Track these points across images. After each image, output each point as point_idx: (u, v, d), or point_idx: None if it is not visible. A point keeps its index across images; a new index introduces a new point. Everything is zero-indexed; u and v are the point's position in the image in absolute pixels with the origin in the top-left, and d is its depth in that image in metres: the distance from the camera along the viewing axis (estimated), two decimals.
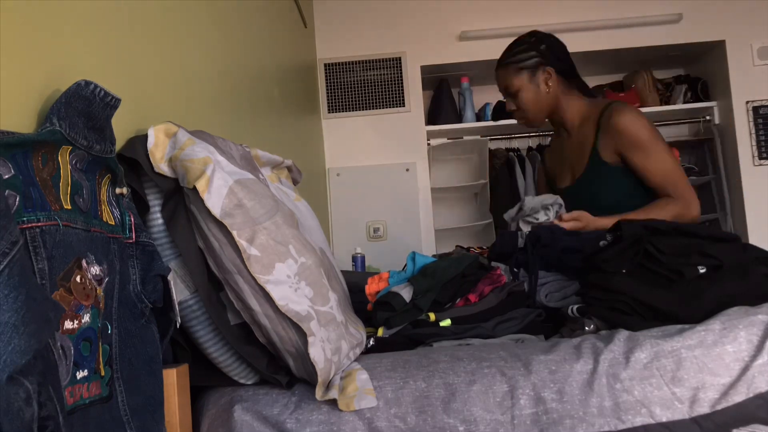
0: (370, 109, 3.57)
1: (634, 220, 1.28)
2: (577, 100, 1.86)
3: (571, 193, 1.85)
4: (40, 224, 0.65)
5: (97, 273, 0.75)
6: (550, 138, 3.83)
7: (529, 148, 3.71)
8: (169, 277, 0.89)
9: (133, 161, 0.92)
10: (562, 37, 3.44)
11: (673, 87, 3.77)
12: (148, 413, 0.81)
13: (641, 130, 1.68)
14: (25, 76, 0.73)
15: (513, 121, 3.61)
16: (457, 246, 2.89)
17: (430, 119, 3.70)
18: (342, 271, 1.39)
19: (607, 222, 1.52)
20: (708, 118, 3.67)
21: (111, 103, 0.79)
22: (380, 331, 1.27)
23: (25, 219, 0.64)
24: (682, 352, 0.98)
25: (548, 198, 1.72)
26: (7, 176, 0.63)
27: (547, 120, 1.92)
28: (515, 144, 3.81)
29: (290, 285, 0.94)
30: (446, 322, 1.27)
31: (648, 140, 1.68)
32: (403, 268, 1.47)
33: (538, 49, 1.83)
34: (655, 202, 1.70)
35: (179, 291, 0.93)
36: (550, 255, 1.43)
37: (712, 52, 3.59)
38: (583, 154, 1.81)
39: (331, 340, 0.98)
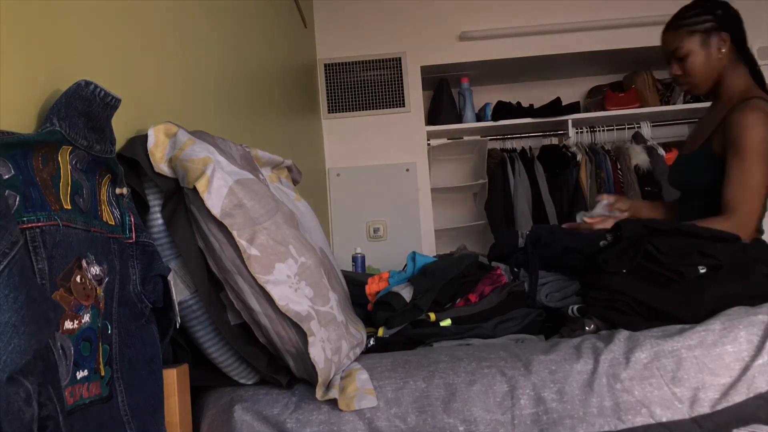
0: (370, 109, 3.56)
1: (639, 220, 1.28)
2: (741, 76, 1.74)
3: (678, 163, 1.84)
4: (40, 224, 0.65)
5: (97, 273, 0.74)
6: (550, 138, 3.84)
7: (522, 149, 3.71)
8: (169, 277, 0.89)
9: (133, 161, 0.92)
10: (562, 37, 3.47)
11: (673, 87, 3.77)
12: (148, 413, 0.81)
13: (755, 134, 1.56)
14: (25, 76, 0.73)
15: (513, 121, 3.65)
16: (462, 244, 2.89)
17: (430, 119, 3.70)
18: (342, 271, 1.39)
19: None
20: None
21: (111, 103, 0.79)
22: (380, 331, 1.27)
23: (25, 219, 0.64)
24: (683, 352, 0.98)
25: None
26: (7, 176, 0.63)
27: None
28: (513, 144, 3.81)
29: (290, 285, 0.94)
30: (446, 322, 1.27)
31: (752, 148, 1.55)
32: (403, 268, 1.47)
33: (714, 13, 1.73)
34: (710, 218, 1.57)
35: (179, 291, 0.93)
36: (550, 255, 1.43)
37: None
38: (706, 132, 1.74)
39: (331, 340, 0.98)
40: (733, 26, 1.75)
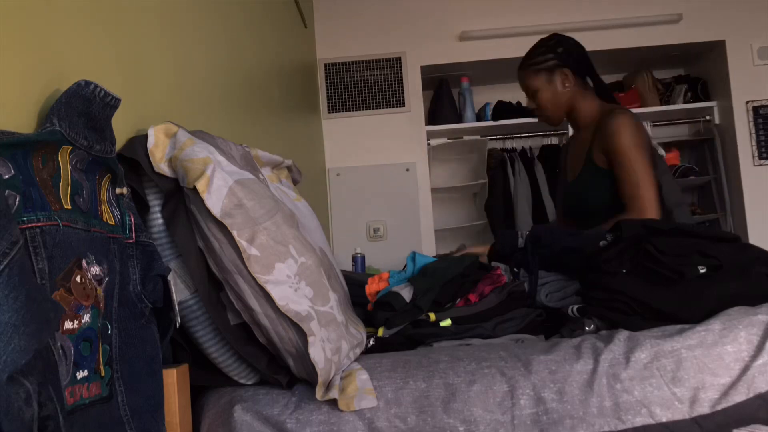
0: (370, 109, 3.57)
1: (629, 221, 1.28)
2: (591, 101, 1.91)
3: (567, 192, 1.95)
4: (40, 224, 0.65)
5: (97, 273, 0.74)
6: (550, 138, 3.84)
7: (522, 149, 3.71)
8: (169, 277, 0.89)
9: (133, 161, 0.92)
10: None
11: (673, 87, 3.77)
12: (148, 413, 0.81)
13: (624, 137, 1.70)
14: (25, 76, 0.73)
15: (512, 121, 3.65)
16: (462, 244, 2.90)
17: (430, 119, 3.70)
18: (342, 271, 1.39)
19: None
20: (708, 118, 3.67)
21: (111, 103, 0.79)
22: (380, 331, 1.27)
23: (25, 219, 0.64)
24: (682, 352, 0.98)
25: None
26: (7, 176, 0.63)
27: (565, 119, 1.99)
28: (513, 144, 3.81)
29: (290, 285, 0.94)
30: (446, 322, 1.27)
31: (627, 147, 1.70)
32: (403, 268, 1.47)
33: (555, 51, 1.90)
34: (615, 218, 1.62)
35: (179, 291, 0.93)
36: (550, 255, 1.43)
37: (712, 52, 3.59)
38: (581, 155, 1.88)
39: (331, 340, 0.98)
40: (573, 61, 1.91)
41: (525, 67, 1.96)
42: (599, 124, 1.80)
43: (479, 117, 3.73)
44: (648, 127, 3.64)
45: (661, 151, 3.42)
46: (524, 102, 3.78)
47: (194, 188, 0.89)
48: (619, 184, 1.72)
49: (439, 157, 3.82)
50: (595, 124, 1.84)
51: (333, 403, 0.95)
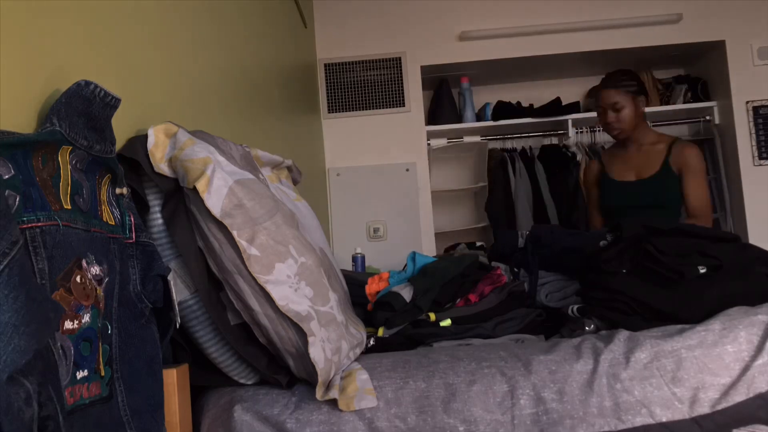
0: (370, 109, 3.56)
1: (639, 220, 1.29)
2: (649, 127, 2.45)
3: (637, 185, 2.38)
4: (40, 224, 0.65)
5: (97, 273, 0.74)
6: (550, 138, 3.84)
7: (522, 149, 3.71)
8: (169, 277, 0.89)
9: (133, 161, 0.92)
10: (563, 37, 3.48)
11: (673, 87, 3.77)
12: (148, 413, 0.81)
13: (699, 162, 2.30)
14: (25, 76, 0.73)
15: (512, 121, 3.65)
16: (463, 244, 2.88)
17: (430, 119, 3.70)
18: (342, 271, 1.39)
19: None
20: (708, 118, 3.67)
21: (111, 103, 0.79)
22: (380, 331, 1.27)
23: (25, 219, 0.64)
24: (682, 352, 0.98)
25: None
26: (7, 176, 0.63)
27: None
28: (513, 144, 3.80)
29: (290, 285, 0.94)
30: (446, 322, 1.27)
31: (699, 171, 2.29)
32: (403, 268, 1.47)
33: (639, 80, 2.37)
34: (688, 219, 2.28)
35: (179, 291, 0.93)
36: (550, 255, 1.43)
37: (712, 52, 3.59)
38: (654, 163, 2.35)
39: (331, 340, 0.98)
40: (647, 92, 2.41)
41: (616, 86, 2.33)
42: (672, 144, 2.34)
43: (479, 117, 3.72)
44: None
45: None
46: (524, 102, 3.78)
47: (194, 188, 0.89)
48: (693, 193, 2.28)
49: (439, 157, 3.82)
50: (665, 144, 2.36)
51: (333, 403, 0.95)
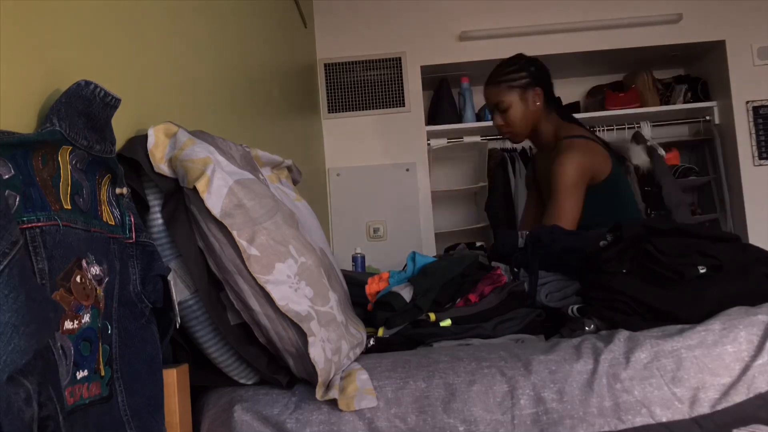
0: (370, 109, 3.56)
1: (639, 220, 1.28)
2: (552, 122, 1.99)
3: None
4: (40, 224, 0.65)
5: (97, 273, 0.74)
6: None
7: (523, 149, 3.71)
8: (169, 277, 0.89)
9: (133, 161, 0.92)
10: (563, 37, 3.47)
11: (673, 87, 3.77)
12: (148, 413, 0.81)
13: (559, 176, 1.83)
14: (25, 76, 0.73)
15: None
16: (463, 244, 2.88)
17: (430, 119, 3.70)
18: (342, 271, 1.39)
19: None
20: (708, 118, 3.67)
21: (111, 103, 0.79)
22: (380, 331, 1.27)
23: (25, 219, 0.64)
24: (682, 352, 0.98)
25: None
26: (7, 176, 0.63)
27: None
28: (513, 144, 3.80)
29: (290, 285, 0.94)
30: (446, 322, 1.27)
31: (561, 185, 1.82)
32: (403, 268, 1.47)
33: (528, 69, 1.97)
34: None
35: (179, 291, 0.93)
36: (550, 255, 1.43)
37: (712, 52, 3.59)
38: (549, 177, 1.93)
39: (331, 340, 0.98)
40: (544, 80, 1.98)
41: (497, 84, 1.98)
42: (555, 149, 1.90)
43: (479, 117, 3.72)
44: (648, 127, 3.64)
45: (661, 151, 3.42)
46: None
47: (194, 188, 0.89)
48: (546, 215, 1.84)
49: (439, 157, 3.82)
50: (551, 147, 1.94)
51: (333, 403, 0.95)
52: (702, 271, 1.15)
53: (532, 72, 1.97)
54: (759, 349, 0.97)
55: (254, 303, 0.92)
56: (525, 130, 1.99)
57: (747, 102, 3.46)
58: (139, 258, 0.86)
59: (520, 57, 2.04)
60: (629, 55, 3.57)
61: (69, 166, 0.73)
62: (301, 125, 2.88)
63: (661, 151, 3.45)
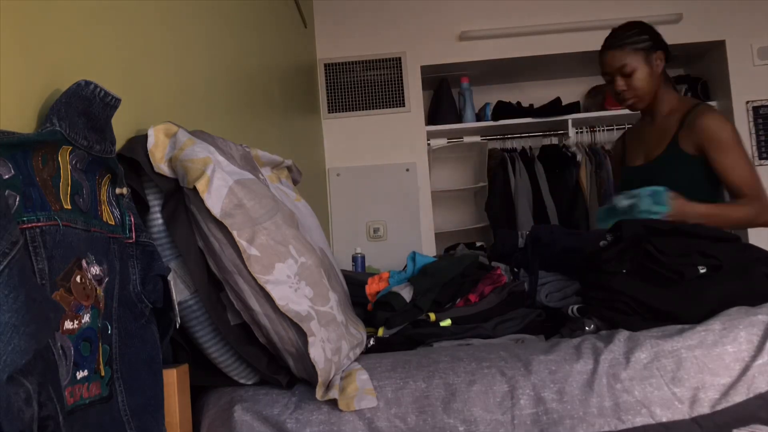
0: (370, 109, 3.56)
1: (639, 220, 1.28)
2: (671, 91, 1.98)
3: (641, 172, 1.94)
4: (40, 224, 0.65)
5: (97, 273, 0.74)
6: (550, 138, 3.84)
7: (522, 149, 3.72)
8: (169, 277, 0.89)
9: (133, 161, 0.92)
10: (563, 37, 3.47)
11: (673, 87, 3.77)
12: (148, 413, 0.81)
13: (724, 132, 1.79)
14: (25, 76, 0.73)
15: (513, 121, 3.65)
16: (462, 245, 2.88)
17: (430, 119, 3.70)
18: (342, 271, 1.39)
19: (699, 210, 1.62)
20: None
21: (111, 103, 0.79)
22: (380, 331, 1.27)
23: (25, 219, 0.64)
24: (683, 352, 0.98)
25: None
26: (7, 176, 0.63)
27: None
28: (513, 144, 3.81)
29: (290, 285, 0.94)
30: (446, 322, 1.27)
31: (729, 142, 1.78)
32: (404, 268, 1.47)
33: (651, 33, 1.94)
34: (733, 201, 1.78)
35: (179, 291, 0.93)
36: (550, 255, 1.43)
37: (712, 52, 3.59)
38: (662, 141, 1.90)
39: (331, 340, 0.98)
40: (664, 44, 1.96)
41: (621, 46, 1.91)
42: (689, 115, 1.86)
43: (479, 117, 3.72)
44: None
45: None
46: (524, 102, 3.78)
47: (194, 188, 0.89)
48: (725, 173, 1.77)
49: (439, 157, 3.82)
50: (679, 114, 1.89)
51: (333, 403, 0.95)
52: (702, 271, 1.15)
53: (654, 35, 1.95)
54: (759, 349, 0.97)
55: (254, 303, 0.92)
56: (649, 94, 1.92)
57: (747, 102, 3.46)
58: (139, 258, 0.86)
59: (637, 23, 2.00)
60: None
61: (69, 166, 0.73)
62: (301, 125, 2.88)
63: None
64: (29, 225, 0.64)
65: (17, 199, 0.63)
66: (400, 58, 3.56)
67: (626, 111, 3.58)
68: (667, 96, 1.95)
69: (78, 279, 0.70)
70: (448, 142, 3.76)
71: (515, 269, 1.48)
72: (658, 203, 1.56)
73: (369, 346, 1.20)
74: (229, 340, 0.96)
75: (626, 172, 2.03)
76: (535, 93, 3.90)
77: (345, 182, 3.53)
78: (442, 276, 1.34)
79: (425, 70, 3.57)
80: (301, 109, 2.91)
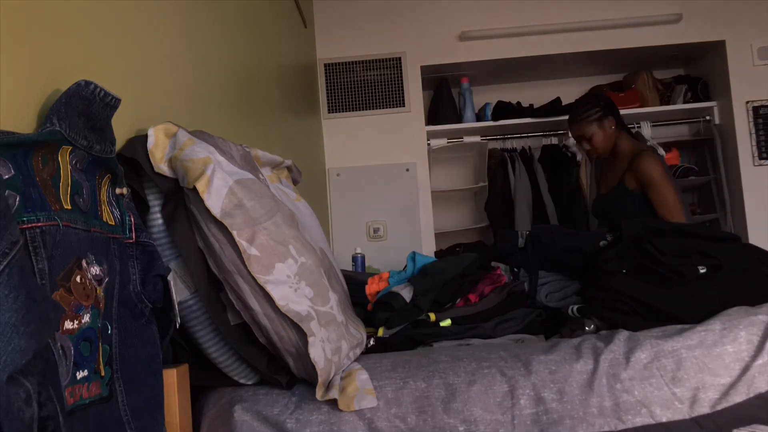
0: (370, 109, 3.56)
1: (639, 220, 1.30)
2: (626, 140, 2.54)
3: (602, 200, 2.57)
4: (40, 224, 0.65)
5: (97, 273, 0.74)
6: (550, 138, 3.84)
7: (522, 149, 3.71)
8: (169, 277, 0.89)
9: (133, 161, 0.92)
10: (563, 37, 3.48)
11: (673, 87, 3.77)
12: (148, 413, 0.81)
13: (655, 172, 2.33)
14: (25, 76, 0.73)
15: (512, 121, 3.65)
16: (459, 246, 2.88)
17: (430, 119, 3.70)
18: (342, 271, 1.39)
19: None
20: (708, 118, 3.67)
21: (111, 103, 0.79)
22: (380, 331, 1.27)
23: (25, 219, 0.64)
24: (683, 352, 0.98)
25: None
26: (7, 176, 0.63)
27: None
28: (513, 144, 3.81)
29: (290, 285, 0.94)
30: (446, 322, 1.27)
31: (658, 180, 2.31)
32: (404, 268, 1.47)
33: (599, 105, 2.53)
34: None
35: (179, 291, 0.93)
36: (549, 255, 1.43)
37: (712, 52, 3.59)
38: (615, 178, 2.49)
39: (331, 340, 0.98)
40: (613, 110, 2.54)
41: (579, 121, 2.54)
42: (633, 158, 2.39)
43: (479, 117, 3.72)
44: (648, 127, 3.64)
45: (661, 151, 3.42)
46: (524, 102, 3.78)
47: (194, 188, 0.89)
48: (656, 205, 2.30)
49: (439, 157, 3.82)
50: (629, 156, 2.43)
51: (333, 403, 0.95)
52: (702, 271, 1.15)
53: (603, 106, 2.51)
54: (759, 349, 0.97)
55: (254, 303, 0.92)
56: (608, 149, 2.51)
57: (747, 102, 3.46)
58: (139, 258, 0.86)
59: (591, 97, 2.67)
60: (629, 55, 3.57)
61: (69, 166, 0.73)
62: (301, 125, 2.88)
63: (661, 151, 3.44)
64: (29, 225, 0.64)
65: (17, 199, 0.63)
66: (400, 58, 3.56)
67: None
68: (622, 143, 2.52)
69: (78, 279, 0.70)
70: (448, 142, 3.76)
71: (515, 269, 1.48)
72: None
73: (369, 346, 1.20)
74: (229, 340, 0.96)
75: (595, 198, 2.64)
76: (535, 93, 3.90)
77: (345, 182, 3.53)
78: (442, 276, 1.34)
79: (425, 70, 3.57)
80: (301, 109, 2.91)
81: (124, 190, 0.85)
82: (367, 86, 3.56)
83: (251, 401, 0.97)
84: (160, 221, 0.94)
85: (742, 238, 3.11)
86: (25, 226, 0.64)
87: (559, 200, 3.53)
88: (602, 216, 2.59)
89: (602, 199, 2.58)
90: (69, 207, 0.71)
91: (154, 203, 0.94)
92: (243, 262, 0.90)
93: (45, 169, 0.69)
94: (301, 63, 3.00)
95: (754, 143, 3.45)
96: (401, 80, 3.56)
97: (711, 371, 0.96)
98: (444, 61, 3.55)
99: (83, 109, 0.76)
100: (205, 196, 0.89)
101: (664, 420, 0.94)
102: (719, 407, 0.95)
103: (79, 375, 0.69)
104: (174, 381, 0.88)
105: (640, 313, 1.15)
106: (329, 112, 3.56)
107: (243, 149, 1.13)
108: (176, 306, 0.89)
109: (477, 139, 3.72)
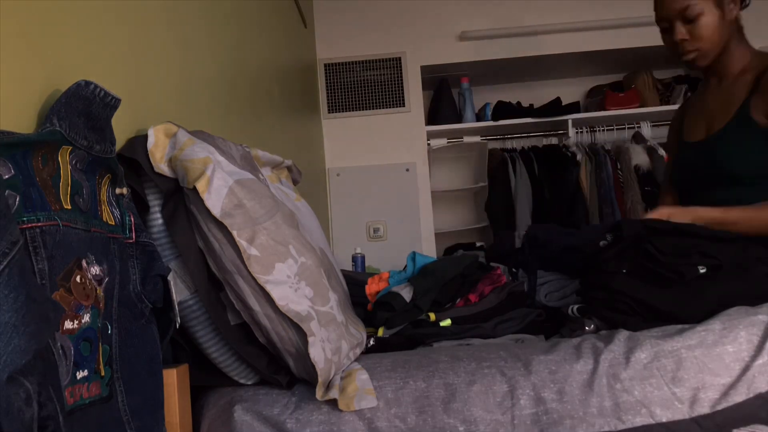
0: (370, 109, 3.57)
1: (639, 220, 1.27)
2: (744, 44, 1.57)
3: (701, 149, 1.56)
4: (40, 224, 0.65)
5: (97, 273, 0.74)
6: (550, 138, 3.84)
7: (523, 149, 3.72)
8: (169, 277, 0.89)
9: (133, 161, 0.92)
10: (562, 37, 3.47)
11: (673, 87, 3.77)
12: (148, 413, 0.81)
13: None
14: (25, 76, 0.73)
15: (512, 122, 3.65)
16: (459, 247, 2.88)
17: (430, 119, 3.70)
18: (342, 271, 1.39)
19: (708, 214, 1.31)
20: None
21: (111, 103, 0.79)
22: (380, 331, 1.27)
23: (25, 219, 0.64)
24: (683, 352, 0.98)
25: None
26: (7, 176, 0.63)
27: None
28: (513, 144, 3.81)
29: (290, 285, 0.94)
30: (446, 322, 1.27)
31: None
32: (403, 268, 1.47)
33: None
34: None
35: (179, 291, 0.93)
36: (548, 255, 1.43)
37: None
38: (729, 108, 1.50)
39: (331, 340, 0.98)
40: None
41: None
42: (763, 75, 1.45)
43: (479, 117, 3.72)
44: (648, 127, 3.64)
45: (661, 152, 3.42)
46: (524, 102, 3.78)
47: (194, 188, 0.89)
48: None
49: (439, 157, 3.82)
50: (752, 74, 1.48)
51: (333, 403, 0.95)
52: (702, 271, 1.15)
53: None
54: (759, 349, 0.97)
55: (254, 303, 0.92)
56: (716, 46, 1.51)
57: None
58: (139, 258, 0.86)
59: None
60: (629, 55, 3.57)
61: (69, 166, 0.73)
62: (301, 125, 2.88)
63: (662, 151, 3.44)
64: (29, 225, 0.64)
65: (17, 199, 0.63)
66: (400, 58, 3.56)
67: (626, 111, 3.61)
68: (738, 51, 1.53)
69: (78, 279, 0.70)
70: (448, 142, 3.76)
71: (514, 269, 1.48)
72: None
73: (369, 346, 1.20)
74: (228, 340, 0.96)
75: (683, 149, 1.63)
76: (535, 93, 3.90)
77: (345, 182, 3.53)
78: (442, 276, 1.34)
79: (425, 70, 3.58)
80: (301, 109, 2.91)
81: (124, 190, 0.85)
82: (367, 86, 3.56)
83: (251, 401, 0.97)
84: (160, 221, 0.94)
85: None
86: (25, 226, 0.64)
87: (559, 200, 3.54)
88: (696, 173, 1.57)
89: (703, 145, 1.55)
90: (69, 207, 0.71)
91: (154, 203, 0.94)
92: (243, 262, 0.90)
93: (45, 169, 0.69)
94: (301, 63, 3.00)
95: None
96: (401, 80, 3.56)
97: (711, 371, 0.96)
98: (444, 61, 3.55)
99: (83, 109, 0.76)
100: (205, 196, 0.89)
101: (664, 420, 0.94)
102: (719, 407, 0.95)
103: (79, 375, 0.69)
104: (174, 381, 0.88)
105: (640, 313, 1.15)
106: (329, 112, 3.56)
107: (243, 149, 1.13)
108: (176, 306, 0.89)
109: (477, 139, 3.72)
